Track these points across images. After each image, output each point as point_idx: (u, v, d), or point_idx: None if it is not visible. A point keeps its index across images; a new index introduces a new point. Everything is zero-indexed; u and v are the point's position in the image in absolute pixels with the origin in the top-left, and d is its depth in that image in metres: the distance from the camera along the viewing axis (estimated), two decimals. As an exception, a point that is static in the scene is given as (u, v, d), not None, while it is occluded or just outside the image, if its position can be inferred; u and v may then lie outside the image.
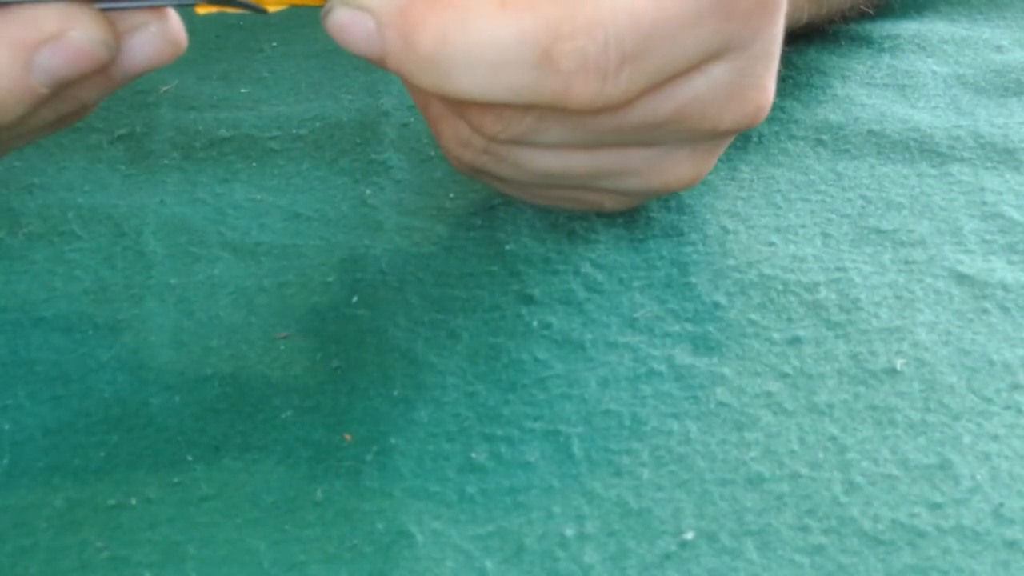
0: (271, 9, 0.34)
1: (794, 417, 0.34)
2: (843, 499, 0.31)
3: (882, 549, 0.30)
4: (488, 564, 0.30)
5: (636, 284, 0.38)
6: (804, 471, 0.32)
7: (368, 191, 0.42)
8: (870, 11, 0.53)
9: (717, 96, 0.35)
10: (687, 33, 0.32)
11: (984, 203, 0.41)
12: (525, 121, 0.34)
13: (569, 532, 0.31)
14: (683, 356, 0.35)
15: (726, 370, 0.35)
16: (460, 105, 0.35)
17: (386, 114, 0.46)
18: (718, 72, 0.34)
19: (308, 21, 0.51)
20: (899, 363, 0.35)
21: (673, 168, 0.37)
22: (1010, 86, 0.48)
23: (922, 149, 0.44)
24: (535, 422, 0.33)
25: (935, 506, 0.31)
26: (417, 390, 0.34)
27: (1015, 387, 0.34)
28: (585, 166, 0.37)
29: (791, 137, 0.45)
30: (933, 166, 0.43)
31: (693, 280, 0.38)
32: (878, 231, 0.40)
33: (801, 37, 0.50)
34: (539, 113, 0.34)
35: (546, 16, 0.31)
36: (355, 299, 0.37)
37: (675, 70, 0.33)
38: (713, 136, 0.36)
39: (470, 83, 0.32)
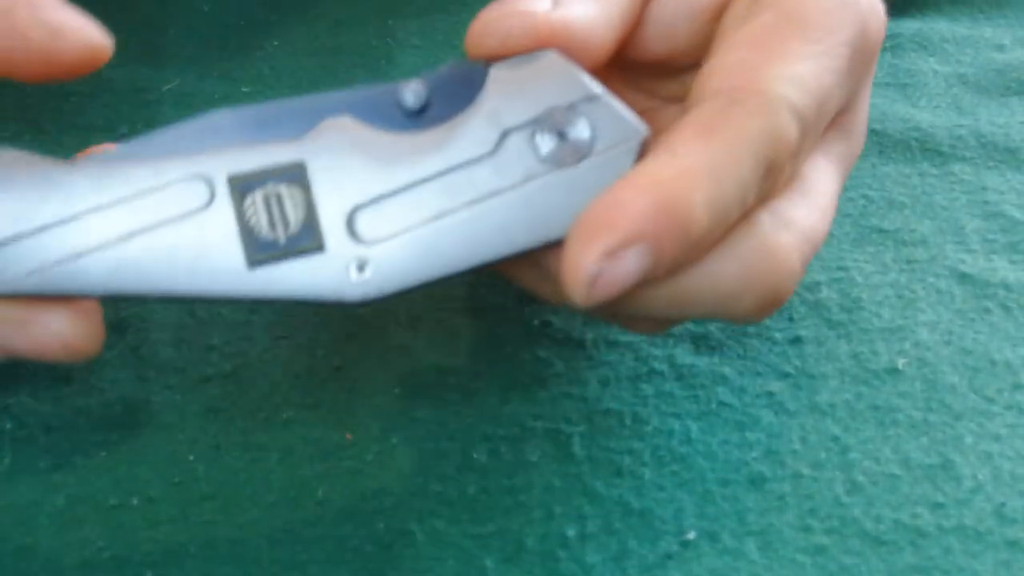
0: None
1: (796, 417, 0.34)
2: (845, 499, 0.31)
3: (884, 549, 0.30)
4: (489, 563, 0.30)
5: (637, 283, 0.38)
6: (806, 471, 0.32)
7: (369, 190, 0.42)
8: None
9: None
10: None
11: (986, 202, 0.41)
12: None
13: (570, 532, 0.31)
14: (684, 355, 0.35)
15: (727, 370, 0.35)
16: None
17: (387, 112, 0.46)
18: None
19: (309, 19, 0.51)
20: (901, 363, 0.35)
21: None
22: (1011, 85, 0.48)
23: (923, 148, 0.44)
24: (536, 421, 0.33)
25: (937, 506, 0.31)
26: (418, 388, 0.34)
27: (1017, 387, 0.34)
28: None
29: (793, 136, 0.45)
30: (935, 165, 0.43)
31: (694, 279, 0.38)
32: (880, 230, 0.40)
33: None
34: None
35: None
36: (356, 298, 0.37)
37: None
38: None
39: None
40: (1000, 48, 0.50)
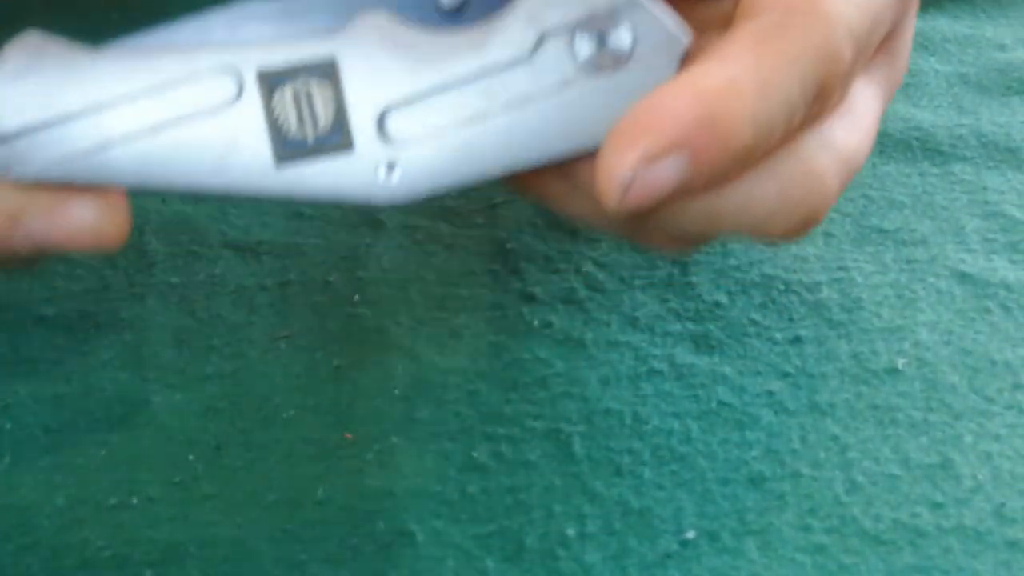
0: None
1: (796, 416, 0.34)
2: (844, 498, 0.31)
3: (883, 549, 0.30)
4: (489, 563, 0.30)
5: (637, 283, 0.38)
6: (805, 470, 0.32)
7: (370, 190, 0.42)
8: None
9: None
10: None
11: (986, 202, 0.41)
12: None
13: (570, 531, 0.31)
14: (684, 355, 0.35)
15: (727, 369, 0.35)
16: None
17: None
18: None
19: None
20: (901, 363, 0.35)
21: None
22: (1013, 85, 0.48)
23: (924, 148, 0.44)
24: (536, 421, 0.33)
25: (936, 506, 0.31)
26: (418, 389, 0.34)
27: (1017, 387, 0.34)
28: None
29: (793, 136, 0.45)
30: (935, 165, 0.43)
31: (694, 279, 0.38)
32: (880, 230, 0.40)
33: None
34: None
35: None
36: (356, 298, 0.37)
37: None
38: None
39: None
40: (1002, 47, 0.50)
